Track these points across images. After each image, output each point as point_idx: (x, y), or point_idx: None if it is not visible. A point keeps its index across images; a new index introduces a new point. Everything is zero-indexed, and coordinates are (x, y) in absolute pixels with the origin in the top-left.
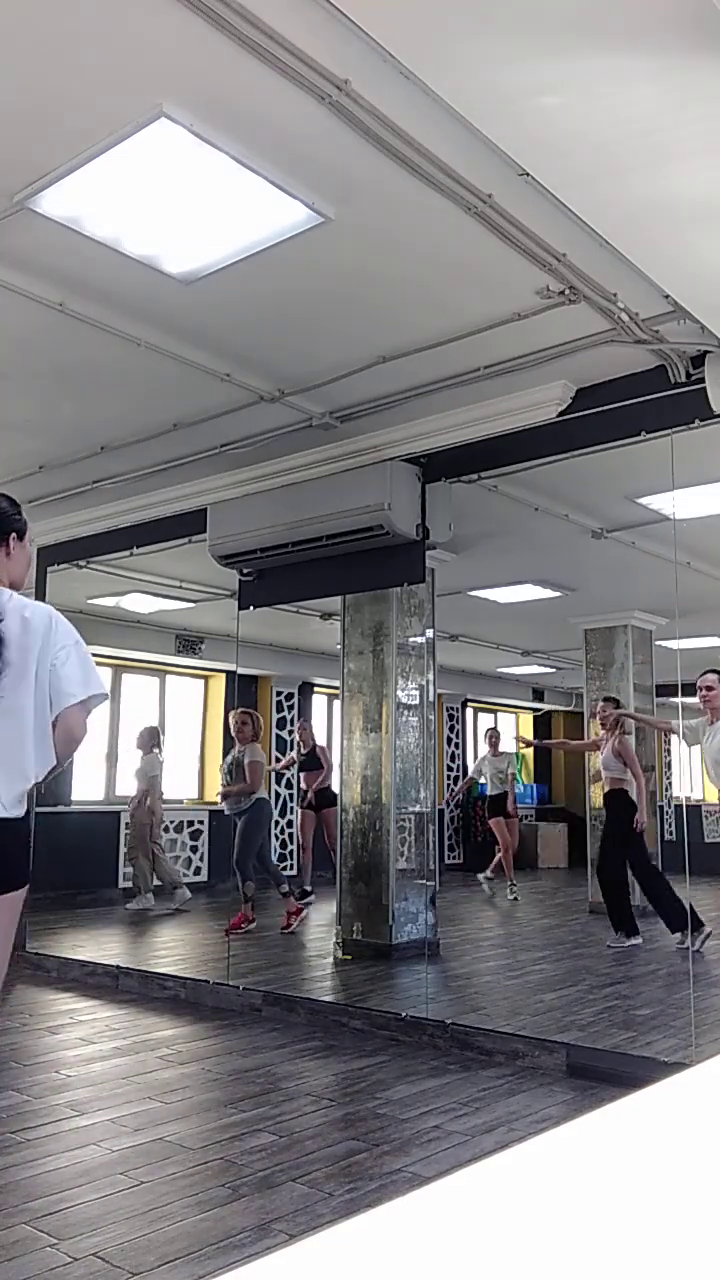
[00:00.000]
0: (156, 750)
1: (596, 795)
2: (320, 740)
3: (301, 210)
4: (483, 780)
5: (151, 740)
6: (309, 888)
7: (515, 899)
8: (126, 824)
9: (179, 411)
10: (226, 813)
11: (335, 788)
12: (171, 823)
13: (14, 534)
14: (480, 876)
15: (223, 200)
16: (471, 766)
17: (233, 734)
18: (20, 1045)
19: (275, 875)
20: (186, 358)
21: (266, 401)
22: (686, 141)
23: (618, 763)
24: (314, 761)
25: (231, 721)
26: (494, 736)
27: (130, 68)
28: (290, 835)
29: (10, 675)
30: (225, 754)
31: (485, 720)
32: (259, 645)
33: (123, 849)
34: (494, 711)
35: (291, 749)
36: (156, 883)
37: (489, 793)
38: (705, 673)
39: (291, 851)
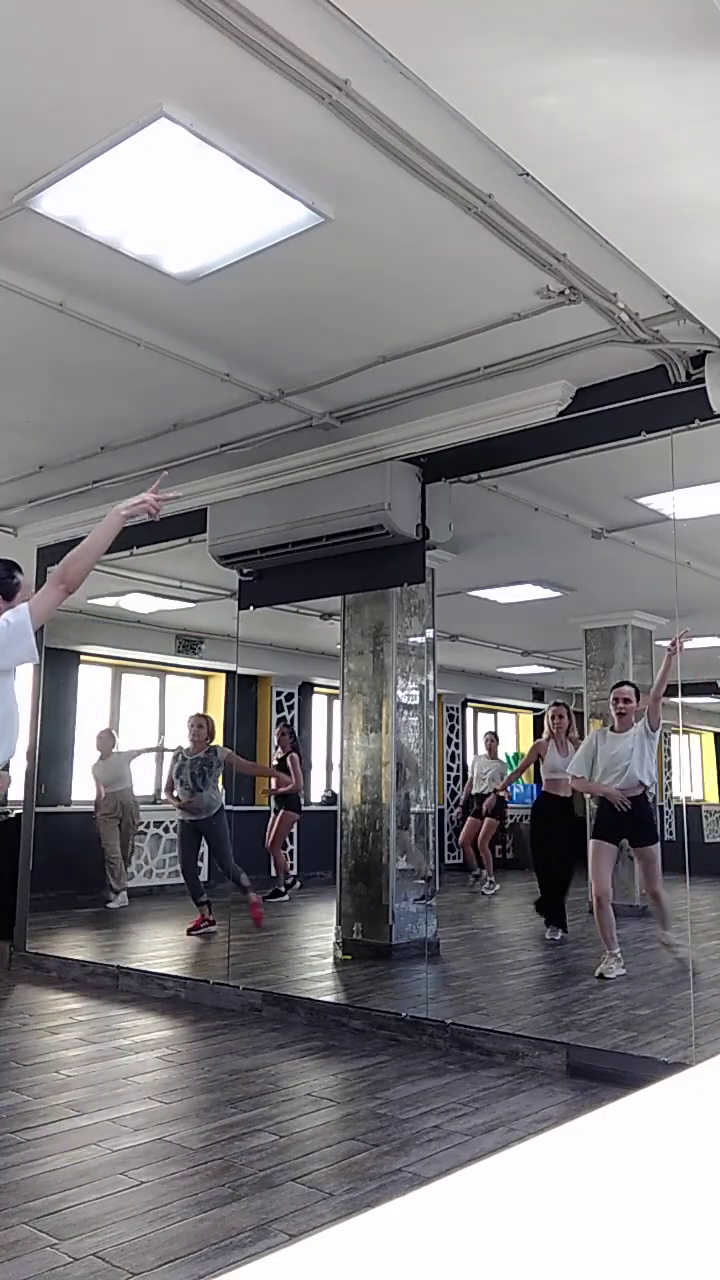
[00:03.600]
0: (115, 750)
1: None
2: (319, 740)
3: (301, 210)
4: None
5: (111, 742)
6: (281, 888)
7: (490, 891)
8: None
9: (179, 411)
10: (187, 820)
11: (318, 793)
12: (171, 823)
13: None
14: (489, 882)
15: (223, 200)
16: (471, 768)
17: (189, 739)
18: (20, 1045)
19: (236, 877)
20: (186, 358)
21: (266, 401)
22: (686, 141)
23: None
24: (283, 768)
25: (190, 727)
26: (491, 741)
27: (130, 68)
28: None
29: None
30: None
31: (485, 720)
32: (259, 645)
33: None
34: (494, 711)
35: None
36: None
37: (475, 791)
38: (620, 685)
39: (291, 853)
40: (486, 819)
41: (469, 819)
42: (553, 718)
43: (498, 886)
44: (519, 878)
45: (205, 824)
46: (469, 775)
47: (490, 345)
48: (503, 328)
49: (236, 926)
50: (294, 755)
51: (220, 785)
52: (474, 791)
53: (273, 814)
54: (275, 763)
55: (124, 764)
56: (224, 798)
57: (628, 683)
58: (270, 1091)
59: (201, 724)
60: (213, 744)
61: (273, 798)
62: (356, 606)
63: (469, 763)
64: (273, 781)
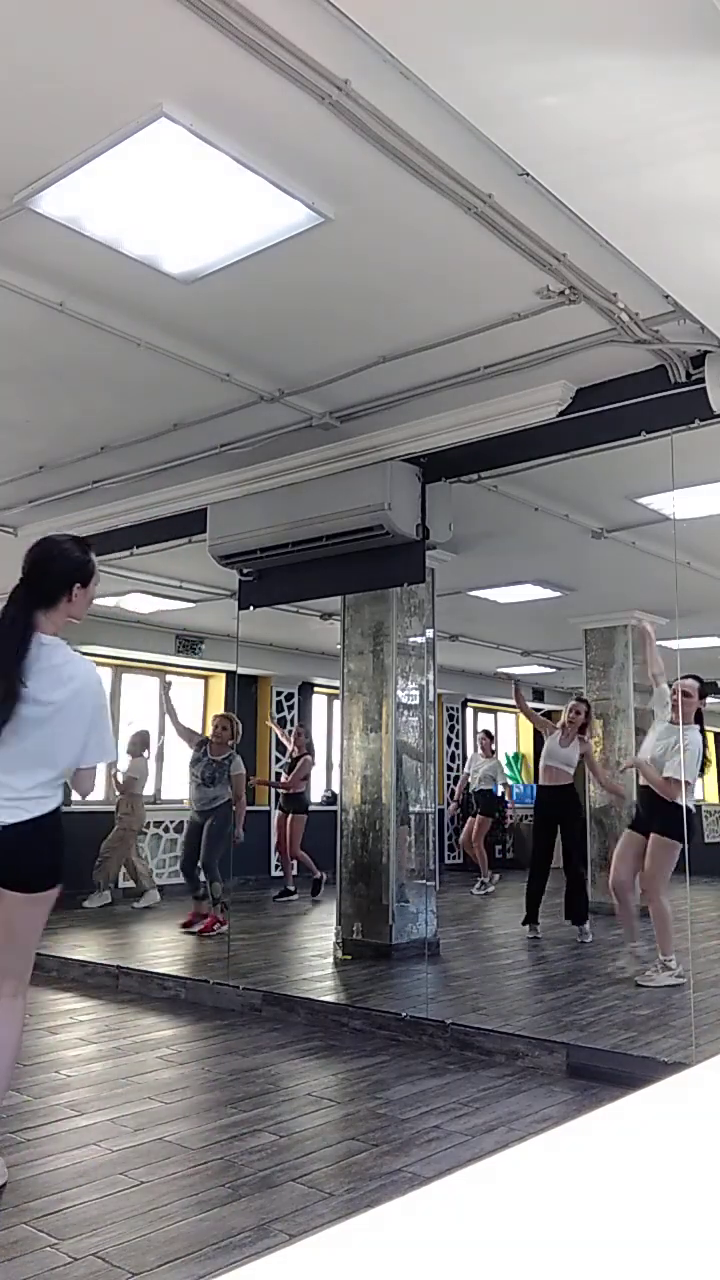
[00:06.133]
0: (146, 754)
1: (596, 795)
2: (319, 740)
3: (301, 210)
4: (471, 781)
5: (143, 745)
6: (291, 888)
7: (490, 892)
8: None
9: (179, 411)
10: (194, 810)
11: (318, 793)
12: (171, 823)
13: (78, 584)
14: (480, 883)
15: (223, 200)
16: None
17: (214, 738)
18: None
19: (212, 879)
20: (186, 358)
21: (266, 401)
22: (687, 142)
23: (575, 760)
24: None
25: (213, 727)
26: (485, 739)
27: (130, 68)
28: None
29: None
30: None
31: (485, 720)
32: (259, 645)
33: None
34: (494, 711)
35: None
36: (128, 883)
37: (474, 789)
38: (685, 677)
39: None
40: (479, 817)
41: (468, 819)
42: (571, 710)
43: (491, 887)
44: (521, 877)
45: (208, 815)
46: (464, 775)
47: (490, 345)
48: (503, 328)
49: (236, 927)
50: (307, 758)
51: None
52: (472, 790)
53: (281, 815)
54: (288, 761)
55: (144, 771)
56: (228, 794)
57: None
58: (270, 1091)
59: (227, 726)
60: (232, 749)
61: (280, 798)
62: (356, 606)
63: (467, 763)
64: (285, 781)
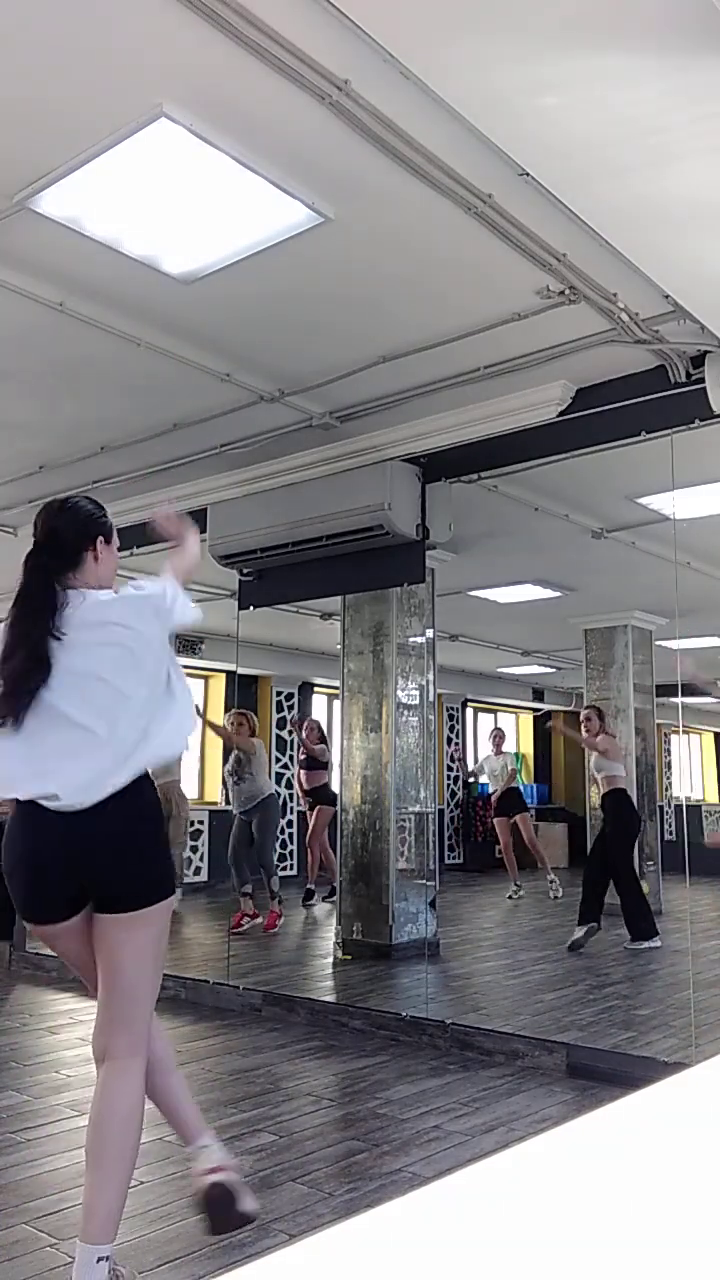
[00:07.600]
0: None
1: (596, 795)
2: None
3: (301, 210)
4: (483, 779)
5: None
6: (311, 887)
7: (557, 895)
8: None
9: (179, 411)
10: (235, 810)
11: (334, 786)
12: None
13: (100, 537)
14: (513, 886)
15: (223, 200)
16: (472, 764)
17: (232, 734)
18: (20, 1045)
19: (270, 873)
20: (186, 358)
21: (266, 401)
22: (686, 141)
23: (609, 762)
24: (316, 760)
25: (230, 722)
26: (499, 736)
27: (130, 68)
28: (290, 835)
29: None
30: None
31: (485, 720)
32: (259, 645)
33: None
34: (494, 711)
35: (296, 748)
36: None
37: (490, 791)
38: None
39: (292, 852)
40: (507, 818)
41: (500, 819)
42: (584, 720)
43: (521, 893)
44: (527, 876)
45: (252, 813)
46: (475, 770)
47: (490, 345)
48: (503, 328)
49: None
50: (321, 746)
51: (267, 775)
52: (493, 792)
53: (308, 811)
54: (304, 757)
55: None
56: (271, 786)
57: None
58: (270, 1091)
59: (244, 721)
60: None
61: (312, 793)
62: (356, 606)
63: (479, 760)
64: (303, 777)
